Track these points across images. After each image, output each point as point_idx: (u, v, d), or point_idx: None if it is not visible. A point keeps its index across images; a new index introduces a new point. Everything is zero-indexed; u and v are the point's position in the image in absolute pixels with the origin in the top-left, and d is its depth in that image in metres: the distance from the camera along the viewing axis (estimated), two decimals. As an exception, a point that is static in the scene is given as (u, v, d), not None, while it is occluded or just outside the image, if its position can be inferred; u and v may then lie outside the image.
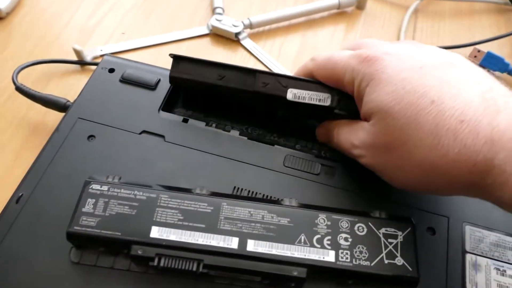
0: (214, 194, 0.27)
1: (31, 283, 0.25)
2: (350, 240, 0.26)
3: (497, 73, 0.45)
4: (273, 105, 0.31)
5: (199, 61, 0.31)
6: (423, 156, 0.23)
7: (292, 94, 0.29)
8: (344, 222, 0.26)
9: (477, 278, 0.27)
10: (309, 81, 0.29)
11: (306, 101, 0.29)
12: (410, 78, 0.24)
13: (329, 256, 0.25)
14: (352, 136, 0.27)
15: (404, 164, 0.24)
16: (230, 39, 0.46)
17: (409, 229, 0.26)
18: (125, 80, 0.34)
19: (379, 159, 0.25)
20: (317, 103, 0.29)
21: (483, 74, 0.24)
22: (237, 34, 0.45)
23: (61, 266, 0.26)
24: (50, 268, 0.26)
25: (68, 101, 0.36)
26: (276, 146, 0.31)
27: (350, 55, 0.27)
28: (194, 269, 0.24)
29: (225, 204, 0.26)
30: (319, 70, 0.29)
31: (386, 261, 0.25)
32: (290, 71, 0.44)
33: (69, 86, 0.41)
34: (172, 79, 0.32)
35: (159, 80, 0.34)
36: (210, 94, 0.32)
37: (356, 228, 0.26)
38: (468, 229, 0.29)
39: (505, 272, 0.27)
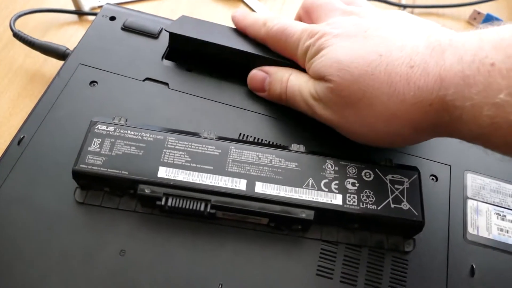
0: (222, 138, 0.27)
1: (35, 223, 0.25)
2: (357, 185, 0.26)
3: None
4: None
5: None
6: (383, 105, 0.24)
7: None
8: (352, 168, 0.26)
9: (478, 222, 0.27)
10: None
11: None
12: (357, 40, 0.25)
13: (337, 200, 0.25)
14: (310, 87, 0.27)
15: (366, 116, 0.25)
16: (231, -6, 0.45)
17: (415, 176, 0.26)
18: (127, 28, 0.34)
19: (339, 115, 0.26)
20: None
21: (426, 23, 0.26)
22: (239, -11, 0.44)
23: (65, 206, 0.25)
24: (54, 208, 0.25)
25: (68, 49, 0.35)
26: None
27: (302, 29, 0.28)
28: (202, 209, 0.24)
29: (233, 147, 0.26)
30: (272, 41, 0.30)
31: (392, 206, 0.25)
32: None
33: (67, 37, 0.40)
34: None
35: (162, 29, 0.34)
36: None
37: (363, 174, 0.26)
38: (470, 176, 0.29)
39: (505, 217, 0.28)
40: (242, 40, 0.31)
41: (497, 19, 0.44)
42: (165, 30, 0.32)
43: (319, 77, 0.26)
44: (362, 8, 0.29)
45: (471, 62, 0.21)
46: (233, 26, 0.32)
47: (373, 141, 0.26)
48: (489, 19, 0.45)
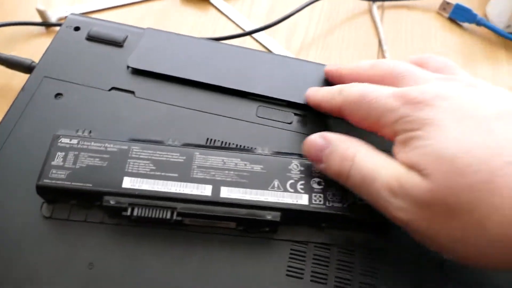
0: (187, 144, 0.27)
1: (2, 239, 0.25)
2: (323, 184, 0.26)
3: (465, 24, 0.46)
4: None
5: None
6: (501, 229, 0.18)
7: None
8: (317, 167, 0.26)
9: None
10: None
11: None
12: (476, 129, 0.20)
13: (303, 200, 0.25)
14: (390, 177, 0.21)
15: (471, 237, 0.19)
16: (200, -1, 0.45)
17: (380, 172, 0.27)
18: (91, 38, 0.33)
19: (435, 225, 0.20)
20: None
21: None
22: (206, -7, 0.44)
23: (32, 222, 0.25)
24: (21, 224, 0.25)
25: (34, 61, 0.35)
26: (248, 97, 0.31)
27: (390, 94, 0.22)
28: (168, 217, 0.24)
29: (197, 153, 0.26)
30: (350, 109, 0.25)
31: (359, 203, 0.25)
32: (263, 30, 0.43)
33: (34, 49, 0.40)
34: None
35: (127, 36, 0.34)
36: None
37: (328, 172, 0.26)
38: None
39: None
40: (216, 65, 0.32)
41: (467, 9, 0.45)
42: (128, 66, 0.32)
43: (412, 166, 0.21)
44: (457, 72, 0.24)
45: None
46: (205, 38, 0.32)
47: (474, 262, 0.21)
48: (458, 9, 0.45)
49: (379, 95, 0.23)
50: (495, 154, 0.19)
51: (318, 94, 0.28)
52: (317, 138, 0.25)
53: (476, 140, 0.19)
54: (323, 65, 0.32)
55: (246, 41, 0.42)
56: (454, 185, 0.19)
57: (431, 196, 0.19)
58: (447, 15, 0.46)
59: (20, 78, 0.36)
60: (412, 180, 0.20)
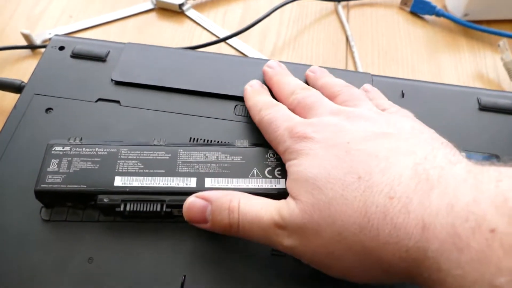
0: (171, 144, 0.29)
1: (5, 244, 0.27)
2: (298, 168, 0.28)
3: (426, 16, 0.48)
4: None
5: None
6: (354, 237, 0.20)
7: None
8: (292, 154, 0.29)
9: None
10: None
11: None
12: (337, 153, 0.23)
13: (281, 184, 0.27)
14: (273, 212, 0.23)
15: (334, 248, 0.21)
16: (175, 12, 0.48)
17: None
18: (75, 55, 0.36)
19: (308, 245, 0.22)
20: None
21: (423, 140, 0.23)
22: (180, 6, 0.47)
23: (33, 225, 0.27)
24: (22, 228, 0.27)
25: (23, 82, 0.37)
26: (226, 98, 0.34)
27: (285, 127, 0.26)
28: (158, 209, 0.26)
29: (181, 150, 0.28)
30: (262, 130, 0.29)
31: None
32: (236, 36, 0.46)
33: (22, 71, 0.42)
34: None
35: (109, 51, 0.36)
36: None
37: (303, 157, 0.29)
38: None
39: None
40: (194, 72, 0.35)
41: (426, 2, 0.48)
42: (111, 79, 0.34)
43: (290, 193, 0.24)
44: (360, 104, 0.27)
45: (465, 219, 0.17)
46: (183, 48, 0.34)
47: (343, 275, 0.23)
48: (418, 2, 0.48)
49: (279, 126, 0.27)
50: (347, 172, 0.22)
51: (249, 102, 0.32)
52: (195, 200, 0.25)
53: (334, 162, 0.22)
54: (297, 64, 0.35)
55: (221, 48, 0.45)
56: (316, 202, 0.22)
57: (302, 216, 0.22)
58: (408, 9, 0.49)
59: (10, 99, 0.38)
60: (289, 207, 0.23)
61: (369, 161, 0.22)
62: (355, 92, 0.29)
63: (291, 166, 0.25)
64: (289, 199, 0.24)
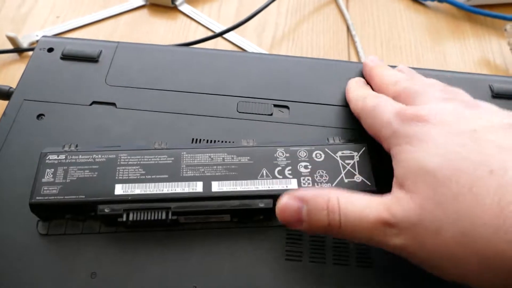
0: (173, 146, 0.27)
1: (2, 261, 0.25)
2: (309, 167, 0.26)
3: (428, 2, 0.47)
4: None
5: None
6: (484, 240, 0.18)
7: None
8: (302, 151, 0.27)
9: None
10: None
11: None
12: (462, 142, 0.20)
13: (292, 184, 0.26)
14: (380, 209, 0.21)
15: (456, 251, 0.19)
16: (167, 7, 0.46)
17: (363, 149, 0.27)
18: (66, 57, 0.34)
19: (423, 245, 0.20)
20: None
21: None
22: (173, 1, 0.45)
23: (30, 240, 0.25)
24: (19, 244, 0.25)
25: (11, 87, 0.35)
26: (227, 96, 0.32)
27: (393, 110, 0.24)
28: (164, 217, 0.25)
29: (184, 153, 0.27)
30: (364, 116, 0.27)
31: (346, 180, 0.26)
32: (233, 30, 0.44)
33: (10, 76, 0.40)
34: None
35: (101, 51, 0.34)
36: None
37: (314, 155, 0.27)
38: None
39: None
40: (191, 71, 0.33)
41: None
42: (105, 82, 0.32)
43: (399, 183, 0.21)
44: (462, 97, 0.25)
45: None
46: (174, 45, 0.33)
47: (461, 280, 0.20)
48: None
49: (385, 110, 0.24)
50: (479, 163, 0.19)
51: (352, 93, 0.30)
52: (289, 201, 0.23)
53: (463, 152, 0.20)
54: (298, 57, 0.33)
55: (218, 43, 0.43)
56: (437, 196, 0.19)
57: (419, 213, 0.20)
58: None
59: (-1, 106, 0.36)
60: (400, 203, 0.21)
61: (502, 154, 0.19)
62: (447, 86, 0.26)
63: (401, 153, 0.22)
64: (398, 192, 0.21)
